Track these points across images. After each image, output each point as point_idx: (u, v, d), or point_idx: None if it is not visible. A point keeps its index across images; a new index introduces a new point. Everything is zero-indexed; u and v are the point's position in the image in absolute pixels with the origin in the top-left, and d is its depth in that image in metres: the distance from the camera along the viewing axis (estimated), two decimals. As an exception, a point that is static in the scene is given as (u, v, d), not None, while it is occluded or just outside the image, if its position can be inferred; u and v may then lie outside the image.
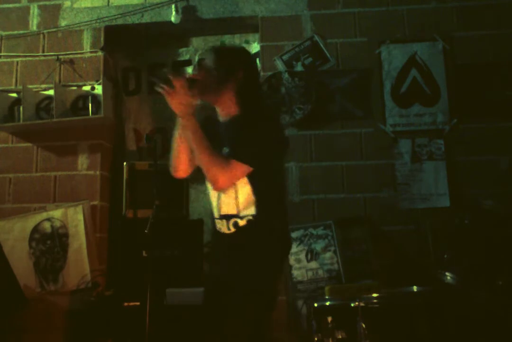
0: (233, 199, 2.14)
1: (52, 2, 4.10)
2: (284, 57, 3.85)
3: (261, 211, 2.11)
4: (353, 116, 3.75)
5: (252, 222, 2.11)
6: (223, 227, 2.18)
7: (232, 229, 2.15)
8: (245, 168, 2.06)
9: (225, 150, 2.14)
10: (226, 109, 2.21)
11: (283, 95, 3.76)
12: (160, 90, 2.03)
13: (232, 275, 2.11)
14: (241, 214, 2.13)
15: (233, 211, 2.15)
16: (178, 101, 2.03)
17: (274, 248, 2.14)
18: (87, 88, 3.92)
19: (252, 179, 2.10)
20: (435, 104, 3.70)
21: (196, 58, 4.18)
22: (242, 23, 4.06)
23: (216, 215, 2.23)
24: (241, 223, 2.13)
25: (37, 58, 4.03)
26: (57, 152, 3.88)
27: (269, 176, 2.15)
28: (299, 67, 3.83)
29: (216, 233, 2.24)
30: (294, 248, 3.34)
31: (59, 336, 3.41)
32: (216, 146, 2.10)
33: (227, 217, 2.17)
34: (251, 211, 2.12)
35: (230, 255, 2.17)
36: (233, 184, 2.10)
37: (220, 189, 2.13)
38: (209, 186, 2.22)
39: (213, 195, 2.24)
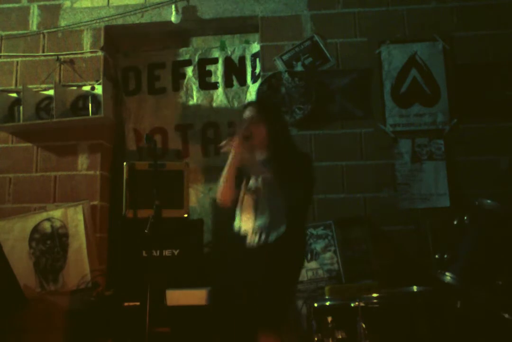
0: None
1: (52, 2, 4.10)
2: (284, 57, 3.85)
3: (290, 228, 2.45)
4: (353, 116, 3.75)
5: (281, 237, 2.44)
6: (253, 239, 2.50)
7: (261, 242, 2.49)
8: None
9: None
10: (259, 149, 2.60)
11: (283, 95, 3.76)
12: (224, 145, 2.48)
13: (253, 283, 2.39)
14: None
15: None
16: (240, 155, 2.48)
17: (296, 261, 2.53)
18: (87, 88, 3.92)
19: (288, 202, 2.46)
20: (435, 104, 3.70)
21: (196, 58, 4.17)
22: (242, 23, 4.07)
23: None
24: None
25: (37, 58, 4.03)
26: (57, 152, 3.88)
27: (301, 202, 2.53)
28: (299, 67, 3.83)
29: (239, 246, 2.54)
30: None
31: (59, 336, 3.42)
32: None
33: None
34: (282, 228, 2.46)
35: (255, 265, 2.44)
36: None
37: None
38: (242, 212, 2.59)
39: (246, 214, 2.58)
